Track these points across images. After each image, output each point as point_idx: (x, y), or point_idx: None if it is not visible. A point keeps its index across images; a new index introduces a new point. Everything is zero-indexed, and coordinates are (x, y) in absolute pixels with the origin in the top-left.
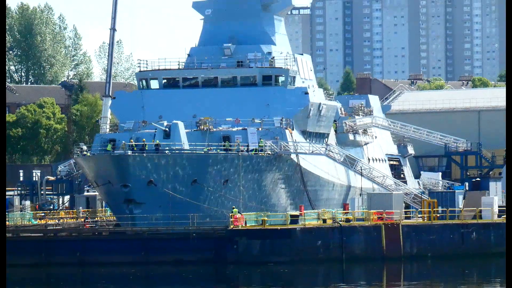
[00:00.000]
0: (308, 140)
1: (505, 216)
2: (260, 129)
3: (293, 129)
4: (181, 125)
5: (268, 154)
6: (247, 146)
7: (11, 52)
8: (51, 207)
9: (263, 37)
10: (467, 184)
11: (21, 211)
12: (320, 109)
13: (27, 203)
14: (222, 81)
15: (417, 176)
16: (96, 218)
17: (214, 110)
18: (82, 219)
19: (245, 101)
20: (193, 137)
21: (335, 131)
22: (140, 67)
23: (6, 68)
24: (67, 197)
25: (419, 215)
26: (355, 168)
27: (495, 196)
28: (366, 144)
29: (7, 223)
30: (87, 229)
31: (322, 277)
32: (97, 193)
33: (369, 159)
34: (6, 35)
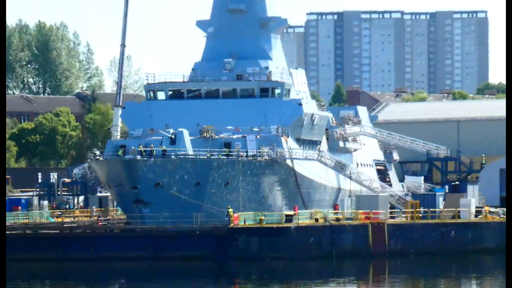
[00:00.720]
0: (302, 147)
1: (482, 216)
2: (258, 136)
3: (288, 137)
4: (185, 132)
5: (265, 159)
6: (246, 152)
7: (29, 65)
8: (67, 206)
9: (261, 53)
10: (447, 187)
11: (39, 210)
12: (313, 119)
13: (45, 203)
14: (223, 93)
15: (401, 179)
16: (108, 217)
17: (216, 119)
18: (95, 218)
19: (244, 111)
20: (196, 143)
21: (327, 138)
22: (148, 80)
23: (25, 80)
24: (81, 198)
25: (403, 215)
26: (345, 173)
27: (473, 198)
28: (355, 150)
29: (26, 220)
30: (100, 227)
31: (315, 272)
32: (109, 194)
33: (357, 164)
34: (25, 51)
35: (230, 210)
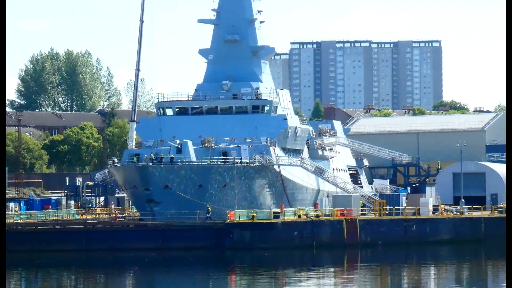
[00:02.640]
0: (287, 155)
1: (438, 212)
2: (250, 146)
3: (275, 146)
4: (190, 143)
5: (257, 165)
6: (241, 159)
7: (59, 87)
8: (90, 205)
9: (252, 76)
10: (408, 188)
11: (67, 208)
12: (296, 131)
13: (72, 202)
14: (221, 110)
15: (370, 182)
16: (125, 214)
17: (215, 131)
18: (114, 215)
19: (239, 125)
20: (199, 152)
21: (308, 148)
22: (158, 98)
23: (56, 99)
24: (102, 198)
25: (372, 212)
26: (323, 176)
27: (430, 197)
28: (331, 158)
29: (56, 217)
30: (117, 223)
31: (298, 260)
32: (125, 195)
33: (333, 169)
34: (56, 74)
35: (209, 208)
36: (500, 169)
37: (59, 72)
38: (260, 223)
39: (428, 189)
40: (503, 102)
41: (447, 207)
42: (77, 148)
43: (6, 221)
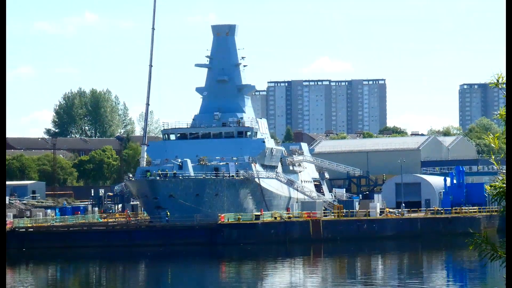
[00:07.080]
0: (265, 170)
1: (384, 214)
2: (236, 163)
3: (256, 163)
4: (189, 161)
5: (241, 178)
6: (229, 173)
7: (86, 118)
8: (110, 211)
9: (238, 108)
10: (360, 195)
11: (92, 213)
12: (272, 151)
13: (96, 209)
14: (213, 135)
15: (330, 191)
16: (138, 218)
17: (208, 152)
18: (129, 218)
19: (227, 147)
20: (196, 168)
21: (281, 164)
22: (164, 126)
23: (83, 127)
24: (120, 205)
25: (332, 214)
26: (293, 186)
27: (378, 203)
28: (300, 172)
29: (83, 220)
30: (132, 224)
31: (274, 253)
32: (138, 203)
33: (301, 181)
34: (83, 108)
35: (168, 213)
36: (432, 179)
37: (86, 106)
38: (244, 223)
39: (375, 196)
40: (434, 126)
41: (391, 210)
42: (100, 166)
43: (45, 224)
